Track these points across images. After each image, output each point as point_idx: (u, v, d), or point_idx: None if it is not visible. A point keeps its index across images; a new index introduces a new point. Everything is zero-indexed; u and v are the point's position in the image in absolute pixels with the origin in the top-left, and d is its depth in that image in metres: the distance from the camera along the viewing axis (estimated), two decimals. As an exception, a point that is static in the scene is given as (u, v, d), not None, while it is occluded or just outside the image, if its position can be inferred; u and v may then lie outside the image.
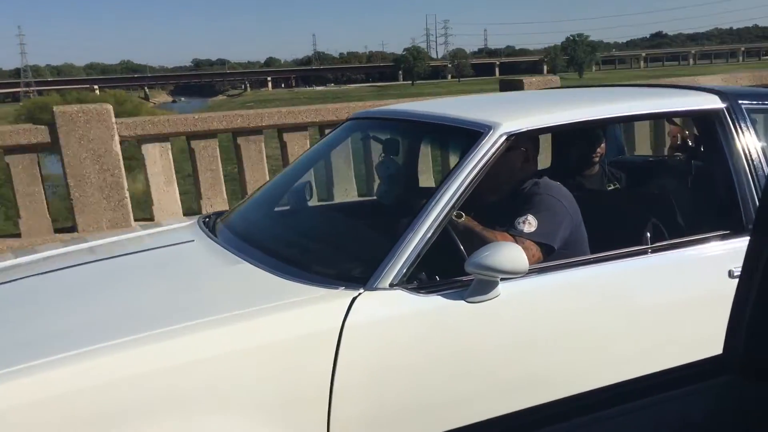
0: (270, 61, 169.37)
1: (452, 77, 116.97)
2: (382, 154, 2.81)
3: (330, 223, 2.58)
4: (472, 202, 2.15)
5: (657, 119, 2.87)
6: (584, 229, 2.40)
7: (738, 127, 2.45)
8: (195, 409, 1.69)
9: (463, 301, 1.98)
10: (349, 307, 1.87)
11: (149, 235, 2.85)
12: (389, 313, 1.92)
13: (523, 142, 2.38)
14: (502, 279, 1.99)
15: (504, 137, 2.18)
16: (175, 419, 1.67)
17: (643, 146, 5.21)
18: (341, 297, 1.90)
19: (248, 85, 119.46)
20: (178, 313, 1.87)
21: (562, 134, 3.18)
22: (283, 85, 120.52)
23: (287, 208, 2.76)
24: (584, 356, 2.13)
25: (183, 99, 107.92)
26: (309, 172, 2.95)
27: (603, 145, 3.04)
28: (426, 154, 2.91)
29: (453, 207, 2.07)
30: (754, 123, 2.53)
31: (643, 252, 2.32)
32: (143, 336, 1.72)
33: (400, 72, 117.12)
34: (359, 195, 4.94)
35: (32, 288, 2.23)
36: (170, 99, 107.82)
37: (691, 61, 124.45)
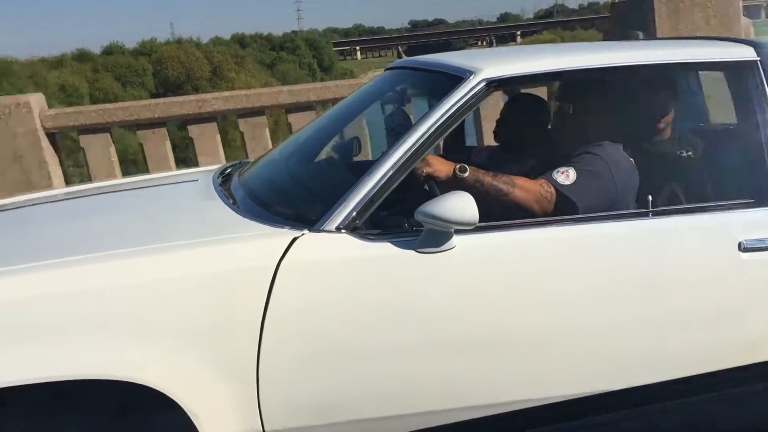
0: (505, 17, 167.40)
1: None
2: (395, 105, 2.75)
3: (320, 171, 2.56)
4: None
5: (673, 71, 2.55)
6: (633, 205, 2.23)
7: None
8: (116, 331, 1.76)
9: (412, 251, 1.90)
10: (288, 247, 1.86)
11: (175, 175, 2.98)
12: (330, 255, 1.88)
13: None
14: (456, 231, 1.89)
15: (483, 83, 2.05)
16: (94, 340, 1.74)
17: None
18: (282, 236, 1.89)
19: (494, 39, 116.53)
20: (123, 240, 1.95)
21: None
22: (519, 40, 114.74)
23: (295, 159, 2.77)
24: (543, 323, 1.96)
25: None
26: (335, 126, 2.92)
27: (672, 111, 2.80)
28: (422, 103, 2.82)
29: (417, 152, 1.98)
30: None
31: (643, 215, 2.11)
32: (77, 258, 1.82)
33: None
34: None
35: (27, 214, 2.43)
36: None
37: None
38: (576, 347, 1.98)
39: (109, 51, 37.42)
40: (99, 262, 1.81)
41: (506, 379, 1.97)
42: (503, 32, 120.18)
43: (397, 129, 2.67)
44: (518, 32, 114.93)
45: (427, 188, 2.04)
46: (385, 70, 3.02)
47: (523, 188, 2.10)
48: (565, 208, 2.11)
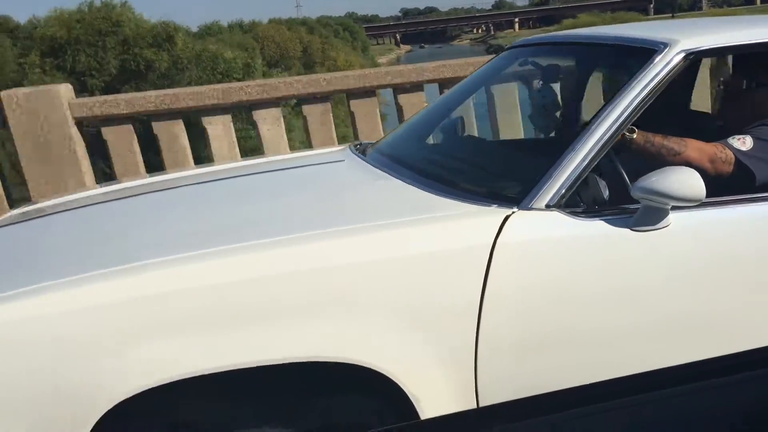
0: (500, 4, 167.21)
1: (708, 7, 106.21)
2: (540, 82, 2.67)
3: (483, 147, 2.49)
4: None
5: None
6: None
7: None
8: (334, 313, 1.69)
9: (627, 229, 1.83)
10: (502, 225, 1.79)
11: (301, 157, 2.89)
12: (544, 234, 1.81)
13: None
14: (673, 208, 1.82)
15: (682, 54, 1.97)
16: (315, 322, 1.67)
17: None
18: (493, 214, 1.82)
19: (492, 27, 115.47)
20: (326, 220, 1.88)
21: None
22: (517, 28, 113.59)
23: (438, 136, 2.69)
24: (761, 302, 1.91)
25: (426, 46, 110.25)
26: (462, 104, 2.85)
27: None
28: (595, 79, 2.71)
29: (619, 129, 1.91)
30: None
31: None
32: (284, 239, 1.74)
33: (651, 5, 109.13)
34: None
35: (189, 194, 2.35)
36: (407, 47, 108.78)
37: None
38: None
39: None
40: (315, 241, 1.74)
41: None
42: (500, 20, 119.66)
43: (547, 107, 2.60)
44: (516, 19, 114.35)
45: (610, 161, 1.97)
46: (506, 49, 2.94)
47: (696, 148, 2.04)
48: (740, 175, 2.05)
